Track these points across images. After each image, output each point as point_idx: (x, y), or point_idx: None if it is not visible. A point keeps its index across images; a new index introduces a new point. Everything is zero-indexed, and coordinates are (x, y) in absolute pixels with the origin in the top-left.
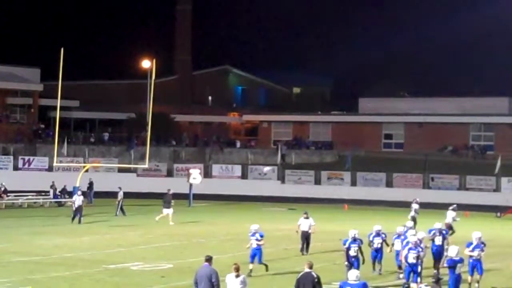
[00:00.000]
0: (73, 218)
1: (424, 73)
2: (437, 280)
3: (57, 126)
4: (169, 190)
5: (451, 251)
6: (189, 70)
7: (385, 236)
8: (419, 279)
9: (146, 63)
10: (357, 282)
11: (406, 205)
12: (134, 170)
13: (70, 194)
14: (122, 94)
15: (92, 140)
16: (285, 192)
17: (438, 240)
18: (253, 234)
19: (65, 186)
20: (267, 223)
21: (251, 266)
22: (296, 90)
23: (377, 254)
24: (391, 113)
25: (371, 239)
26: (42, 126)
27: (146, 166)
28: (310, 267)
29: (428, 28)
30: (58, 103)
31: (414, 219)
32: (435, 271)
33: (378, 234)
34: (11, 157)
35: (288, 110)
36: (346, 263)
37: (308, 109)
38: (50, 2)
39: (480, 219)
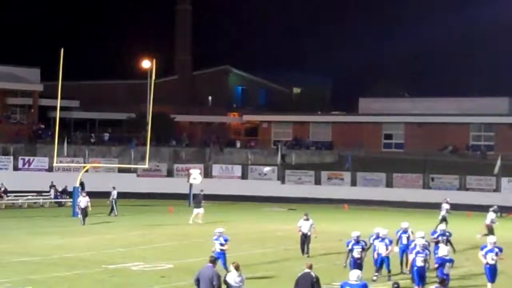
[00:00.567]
0: (83, 220)
1: (424, 73)
2: (442, 281)
3: (57, 126)
4: (202, 190)
5: (441, 250)
6: (189, 70)
7: (390, 242)
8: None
9: (146, 63)
10: (358, 282)
11: (406, 205)
12: (134, 170)
13: (71, 194)
14: (122, 94)
15: (92, 140)
16: (285, 192)
17: (442, 243)
18: (217, 238)
19: (66, 186)
20: (267, 224)
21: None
22: (296, 90)
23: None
24: (391, 113)
25: (371, 241)
26: (42, 126)
27: (146, 166)
28: (310, 267)
29: (428, 28)
30: (58, 103)
31: (444, 219)
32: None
33: (378, 237)
34: (11, 157)
35: (288, 110)
36: (344, 264)
37: (308, 109)
38: (50, 2)
39: (480, 219)
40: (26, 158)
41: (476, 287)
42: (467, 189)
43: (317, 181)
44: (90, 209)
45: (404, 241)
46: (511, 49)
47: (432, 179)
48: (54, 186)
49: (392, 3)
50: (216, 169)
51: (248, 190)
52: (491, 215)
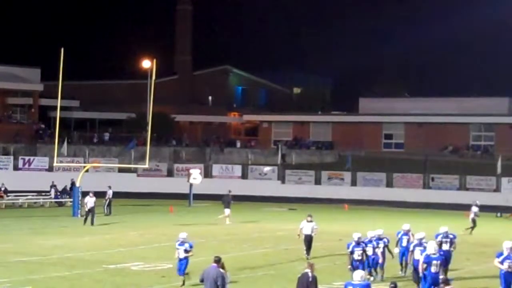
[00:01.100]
0: (85, 220)
1: (424, 73)
2: (445, 281)
3: (58, 126)
4: (229, 191)
5: (429, 248)
6: (189, 70)
7: (388, 241)
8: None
9: (146, 63)
10: (361, 282)
11: (406, 205)
12: (134, 170)
13: (71, 194)
14: (122, 94)
15: (95, 140)
16: (285, 192)
17: (446, 246)
18: (182, 244)
19: (66, 186)
20: (268, 223)
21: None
22: (297, 90)
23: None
24: (391, 113)
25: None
26: (43, 126)
27: (147, 166)
28: (310, 268)
29: (428, 28)
30: (59, 103)
31: (474, 221)
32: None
33: (379, 238)
34: (12, 157)
35: (288, 110)
36: (349, 267)
37: (308, 109)
38: (50, 2)
39: (480, 219)
40: (26, 158)
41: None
42: (467, 189)
43: (317, 181)
44: (96, 210)
45: (404, 243)
46: (511, 49)
47: (432, 179)
48: (54, 186)
49: (392, 3)
50: (216, 169)
51: (248, 190)
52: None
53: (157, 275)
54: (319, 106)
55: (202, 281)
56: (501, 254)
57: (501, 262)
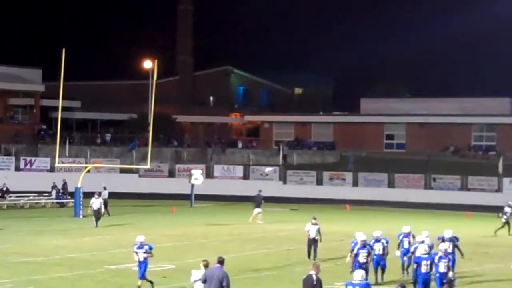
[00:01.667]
0: (96, 221)
1: (426, 73)
2: (449, 282)
3: (59, 127)
4: (260, 191)
5: (419, 250)
6: (190, 71)
7: (387, 242)
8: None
9: (147, 64)
10: (361, 281)
11: (408, 205)
12: (136, 171)
13: (72, 195)
14: (123, 95)
15: (98, 140)
16: (287, 192)
17: (449, 248)
18: (141, 247)
19: (65, 182)
20: (269, 224)
21: (139, 282)
22: (298, 90)
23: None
24: (393, 114)
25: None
26: (44, 126)
27: (148, 166)
28: (314, 269)
29: (430, 28)
30: (60, 103)
31: (507, 222)
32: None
33: (378, 240)
34: (13, 157)
35: (289, 110)
36: (351, 270)
37: (309, 109)
38: (51, 2)
39: (482, 219)
40: (28, 159)
41: None
42: (469, 190)
43: (319, 181)
44: (103, 210)
45: (406, 245)
46: None
47: (434, 180)
48: (55, 186)
49: (393, 4)
50: (217, 169)
51: (250, 191)
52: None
53: (159, 275)
54: (320, 107)
55: (204, 281)
56: None
57: None
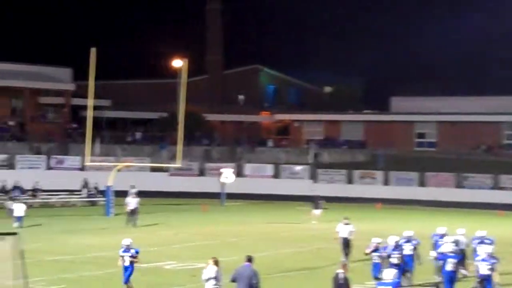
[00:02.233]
0: (127, 220)
1: (457, 71)
2: (481, 282)
3: (89, 126)
4: (318, 195)
5: (445, 247)
6: (220, 70)
7: (417, 243)
8: None
9: (177, 63)
10: (391, 280)
11: (439, 204)
12: (166, 170)
13: (103, 193)
14: (153, 94)
15: (129, 139)
16: (317, 191)
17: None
18: (127, 250)
19: (97, 184)
20: (299, 222)
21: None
22: (328, 89)
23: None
24: (423, 112)
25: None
26: (75, 125)
27: (178, 165)
28: (342, 268)
29: (460, 25)
30: (90, 102)
31: None
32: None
33: (408, 240)
34: (44, 156)
35: (319, 109)
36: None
37: (339, 108)
38: (82, 2)
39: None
40: (59, 158)
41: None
42: (501, 188)
43: (349, 180)
44: (129, 209)
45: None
46: None
47: (465, 178)
48: (86, 185)
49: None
50: (248, 168)
51: (280, 189)
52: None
53: (190, 274)
54: (350, 105)
55: (233, 281)
56: None
57: None
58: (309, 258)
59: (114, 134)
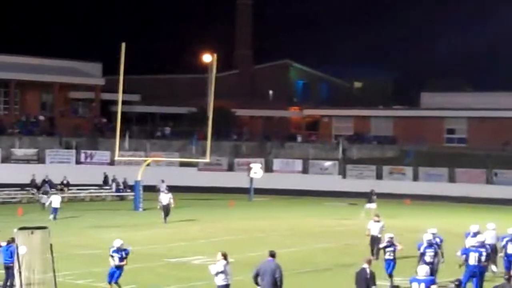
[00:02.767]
0: (165, 217)
1: (487, 67)
2: (509, 278)
3: (119, 120)
4: (372, 189)
5: (469, 241)
6: (249, 65)
7: (441, 241)
8: None
9: (207, 57)
10: (425, 277)
11: (469, 200)
12: (195, 165)
13: (132, 188)
14: (183, 88)
15: (158, 134)
16: (346, 186)
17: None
18: (117, 251)
19: (125, 179)
20: (328, 218)
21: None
22: (357, 84)
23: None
24: (454, 108)
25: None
26: (104, 120)
27: (207, 160)
28: (368, 263)
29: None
30: (120, 97)
31: None
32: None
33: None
34: (74, 151)
35: (349, 104)
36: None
37: (369, 103)
38: None
39: None
40: (88, 152)
41: None
42: None
43: (379, 176)
44: (173, 205)
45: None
46: None
47: (496, 174)
48: (115, 179)
49: None
50: (276, 163)
51: (309, 185)
52: None
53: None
54: (380, 101)
55: (256, 275)
56: None
57: None
58: (337, 254)
59: (144, 129)
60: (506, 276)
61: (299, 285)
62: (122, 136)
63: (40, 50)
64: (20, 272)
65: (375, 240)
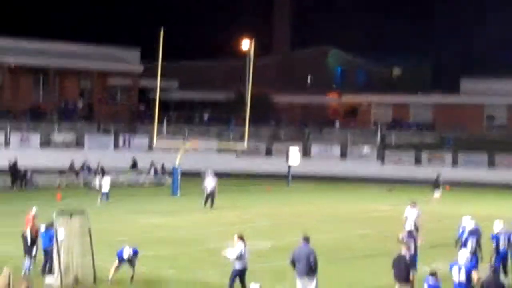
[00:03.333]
0: (205, 202)
1: None
2: (494, 270)
3: (157, 106)
4: (438, 174)
5: (496, 226)
6: (288, 51)
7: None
8: None
9: (245, 43)
10: (466, 263)
11: (508, 187)
12: (233, 150)
13: (169, 174)
14: (220, 75)
15: (193, 120)
16: (384, 172)
17: None
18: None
19: (163, 164)
20: (366, 204)
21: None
22: (396, 71)
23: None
24: (494, 94)
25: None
26: (142, 107)
27: (245, 146)
28: (406, 249)
29: None
30: (158, 83)
31: None
32: None
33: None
34: (112, 136)
35: (388, 91)
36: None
37: (408, 90)
38: None
39: None
40: (127, 137)
41: None
42: None
43: (417, 162)
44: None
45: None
46: None
47: None
48: (153, 165)
49: None
50: (315, 149)
51: (347, 170)
52: None
53: (255, 255)
54: (419, 87)
55: (292, 261)
56: None
57: None
58: (374, 240)
59: (182, 115)
60: (492, 268)
61: (335, 272)
62: (160, 122)
63: (78, 36)
64: (59, 256)
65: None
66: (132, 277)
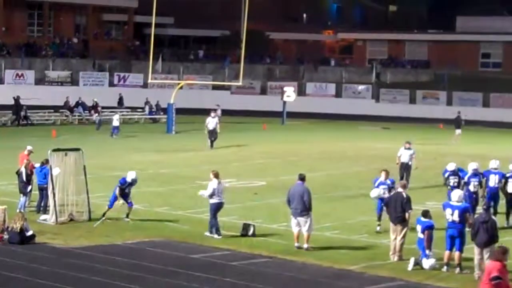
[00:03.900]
0: (211, 143)
1: None
2: (487, 208)
3: (152, 43)
4: (459, 112)
5: (491, 164)
6: None
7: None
8: None
9: None
10: (459, 203)
11: (503, 125)
12: (228, 88)
13: (165, 111)
14: (216, 11)
15: (189, 57)
16: (379, 111)
17: None
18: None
19: (158, 101)
20: (361, 142)
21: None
22: (392, 8)
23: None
24: (489, 32)
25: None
26: (137, 43)
27: (240, 83)
28: (403, 187)
29: None
30: (153, 19)
31: None
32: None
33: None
34: (107, 73)
35: (383, 28)
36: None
37: (404, 27)
38: None
39: None
40: (121, 75)
41: None
42: None
43: (412, 100)
44: (219, 130)
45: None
46: None
47: None
48: (148, 102)
49: None
50: (310, 87)
51: (342, 109)
52: None
53: (250, 192)
54: (415, 25)
55: (288, 201)
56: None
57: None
58: (369, 177)
59: (177, 52)
60: (485, 206)
61: (330, 209)
62: (155, 59)
63: None
64: (54, 193)
65: (405, 167)
66: (127, 214)
